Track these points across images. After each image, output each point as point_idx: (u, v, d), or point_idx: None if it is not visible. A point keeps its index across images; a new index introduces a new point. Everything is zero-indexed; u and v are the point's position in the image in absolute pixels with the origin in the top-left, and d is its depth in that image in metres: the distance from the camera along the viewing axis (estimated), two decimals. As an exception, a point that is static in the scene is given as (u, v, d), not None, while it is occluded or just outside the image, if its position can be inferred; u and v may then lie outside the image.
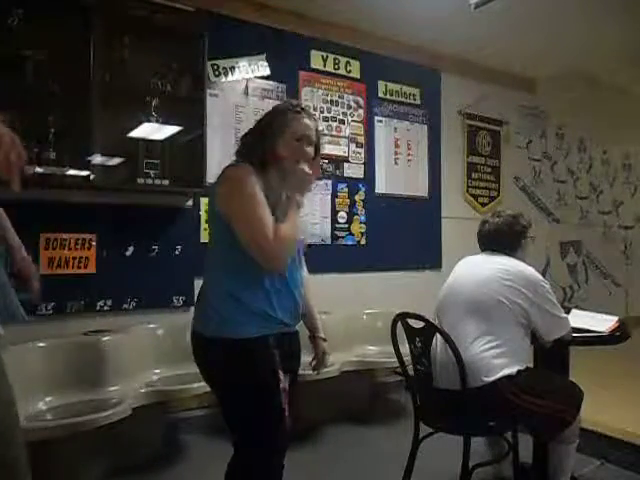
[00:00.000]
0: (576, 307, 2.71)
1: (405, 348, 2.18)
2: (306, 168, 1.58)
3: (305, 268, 1.79)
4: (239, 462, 1.56)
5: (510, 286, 1.96)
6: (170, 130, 3.05)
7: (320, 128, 1.79)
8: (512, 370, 1.90)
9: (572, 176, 5.66)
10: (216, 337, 1.52)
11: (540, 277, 2.04)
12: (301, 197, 1.58)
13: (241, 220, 1.48)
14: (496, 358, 1.90)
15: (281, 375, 1.52)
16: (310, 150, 1.65)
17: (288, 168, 1.59)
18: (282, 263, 1.49)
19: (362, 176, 4.03)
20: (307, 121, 1.65)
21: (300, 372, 1.74)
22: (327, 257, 3.74)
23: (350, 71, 4.00)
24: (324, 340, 1.83)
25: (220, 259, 1.58)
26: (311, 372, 1.84)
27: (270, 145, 1.61)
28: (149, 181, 2.91)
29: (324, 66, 3.88)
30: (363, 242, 4.01)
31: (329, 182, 3.86)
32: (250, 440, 1.54)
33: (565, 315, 2.06)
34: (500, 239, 2.16)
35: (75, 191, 2.85)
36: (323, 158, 3.83)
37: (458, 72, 4.58)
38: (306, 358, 1.77)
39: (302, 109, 1.68)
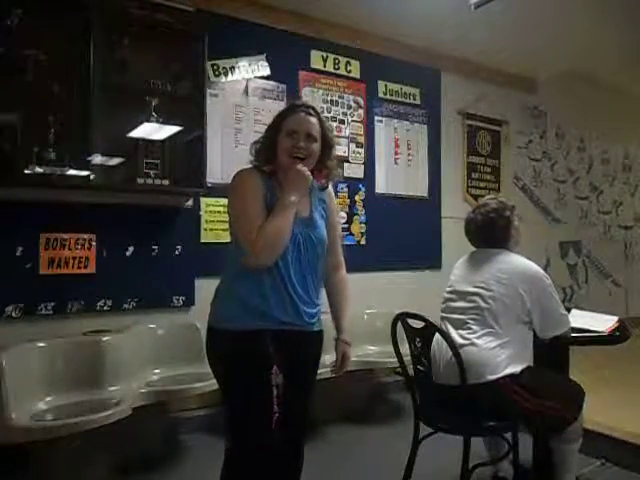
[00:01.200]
0: (576, 307, 2.70)
1: (405, 348, 2.18)
2: (300, 166, 1.57)
3: (342, 270, 1.80)
4: (226, 457, 1.56)
5: (510, 284, 1.96)
6: (170, 130, 3.04)
7: (329, 125, 1.72)
8: (516, 369, 1.90)
9: (572, 176, 5.65)
10: (217, 328, 1.59)
11: (541, 272, 2.03)
12: (295, 195, 1.55)
13: (233, 220, 1.61)
14: (501, 356, 1.90)
15: (275, 371, 1.51)
16: (309, 146, 1.60)
17: (285, 165, 1.60)
18: (265, 260, 1.52)
19: (362, 176, 4.02)
20: (304, 116, 1.61)
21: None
22: (327, 257, 3.73)
23: (350, 71, 3.99)
24: (347, 343, 1.74)
25: (230, 256, 1.65)
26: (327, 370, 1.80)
27: (272, 144, 1.63)
28: (149, 181, 2.91)
29: (324, 66, 3.87)
30: (363, 242, 4.01)
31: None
32: (236, 435, 1.55)
33: (565, 312, 2.06)
34: (488, 236, 2.15)
35: (75, 191, 2.84)
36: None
37: (458, 72, 4.57)
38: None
39: (304, 106, 1.65)
